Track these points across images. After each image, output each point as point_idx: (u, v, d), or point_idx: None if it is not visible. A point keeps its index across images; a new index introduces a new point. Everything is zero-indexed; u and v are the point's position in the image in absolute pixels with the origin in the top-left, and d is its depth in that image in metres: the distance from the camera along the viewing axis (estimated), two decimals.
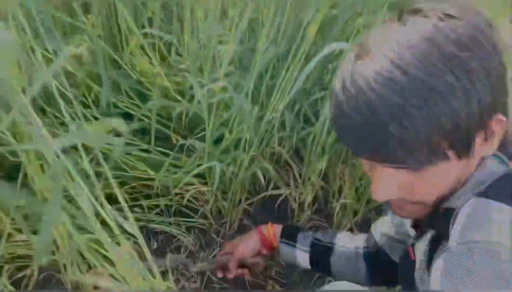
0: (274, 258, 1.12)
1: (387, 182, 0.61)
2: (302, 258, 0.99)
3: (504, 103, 0.59)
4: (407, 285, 0.79)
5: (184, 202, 1.21)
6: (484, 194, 0.61)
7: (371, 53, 0.55)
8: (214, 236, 1.26)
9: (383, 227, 0.93)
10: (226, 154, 1.17)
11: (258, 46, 0.98)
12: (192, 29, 1.06)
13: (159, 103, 1.06)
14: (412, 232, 0.75)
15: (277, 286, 1.25)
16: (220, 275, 1.03)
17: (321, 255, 0.99)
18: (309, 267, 0.99)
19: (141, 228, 1.19)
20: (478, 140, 0.58)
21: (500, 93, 0.57)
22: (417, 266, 0.72)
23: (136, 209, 1.20)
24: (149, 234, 1.23)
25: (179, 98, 1.10)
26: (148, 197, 1.22)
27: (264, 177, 1.22)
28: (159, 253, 1.20)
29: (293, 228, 1.03)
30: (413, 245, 0.75)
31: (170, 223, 1.23)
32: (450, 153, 0.56)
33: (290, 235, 1.00)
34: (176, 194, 1.20)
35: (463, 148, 0.57)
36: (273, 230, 1.02)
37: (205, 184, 1.21)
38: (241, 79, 1.03)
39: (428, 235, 0.70)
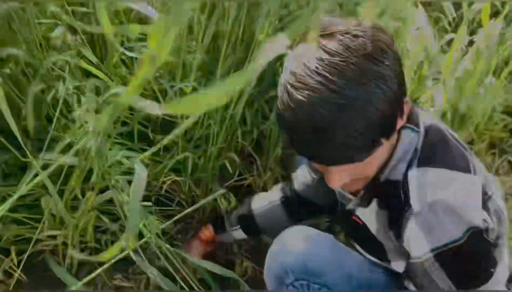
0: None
1: (339, 174, 0.79)
2: (239, 235, 1.23)
3: (405, 88, 0.81)
4: (362, 245, 0.99)
5: (163, 191, 1.38)
6: (422, 163, 0.81)
7: (302, 81, 0.70)
8: (189, 220, 1.45)
9: (303, 178, 1.13)
10: (198, 148, 1.36)
11: (220, 55, 1.18)
12: None
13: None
14: (353, 200, 0.94)
15: (248, 262, 1.43)
16: None
17: (248, 224, 1.20)
18: (247, 236, 1.22)
19: None
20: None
21: (404, 82, 0.79)
22: (374, 232, 0.91)
23: None
24: None
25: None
26: None
27: (231, 167, 1.42)
28: None
29: (220, 220, 1.25)
30: (352, 212, 0.95)
31: (150, 212, 1.40)
32: (383, 140, 0.76)
33: (221, 227, 1.24)
34: (155, 186, 1.37)
35: (391, 131, 0.78)
36: (208, 231, 1.26)
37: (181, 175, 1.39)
38: (208, 83, 1.23)
39: (373, 204, 0.90)
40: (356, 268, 0.96)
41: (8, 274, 1.16)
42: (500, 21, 1.50)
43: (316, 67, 0.69)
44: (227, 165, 1.39)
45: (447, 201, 0.76)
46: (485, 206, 0.82)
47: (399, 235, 0.84)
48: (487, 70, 1.55)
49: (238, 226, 1.22)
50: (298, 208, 1.17)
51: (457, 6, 1.76)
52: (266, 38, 1.16)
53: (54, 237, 1.17)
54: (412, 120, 0.85)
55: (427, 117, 0.88)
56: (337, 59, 0.69)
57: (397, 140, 0.83)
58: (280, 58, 1.30)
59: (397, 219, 0.82)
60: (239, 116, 1.29)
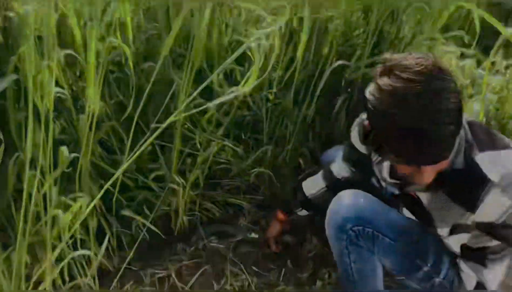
0: None
1: (431, 172, 1.01)
2: (303, 213, 1.54)
3: None
4: (412, 212, 1.26)
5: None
6: (483, 149, 1.02)
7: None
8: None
9: (343, 171, 1.43)
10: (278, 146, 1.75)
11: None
12: None
13: None
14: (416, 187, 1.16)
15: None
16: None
17: (308, 206, 1.52)
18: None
19: None
20: None
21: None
22: (426, 204, 1.15)
23: None
24: None
25: None
26: None
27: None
28: None
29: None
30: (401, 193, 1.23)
31: None
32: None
33: (290, 211, 1.56)
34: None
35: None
36: (280, 213, 1.57)
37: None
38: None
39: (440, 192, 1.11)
40: (395, 216, 1.23)
41: None
42: None
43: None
44: (301, 161, 1.75)
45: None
46: None
47: (472, 207, 1.04)
48: None
49: (301, 208, 1.54)
50: (340, 190, 1.38)
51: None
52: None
53: None
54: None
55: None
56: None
57: None
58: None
59: (472, 195, 1.02)
60: (310, 119, 1.67)
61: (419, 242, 1.21)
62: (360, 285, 1.27)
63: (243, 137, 1.74)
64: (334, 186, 1.45)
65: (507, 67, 1.86)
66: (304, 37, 1.53)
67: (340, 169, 1.45)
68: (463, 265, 1.17)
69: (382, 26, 1.58)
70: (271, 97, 1.60)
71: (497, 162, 1.01)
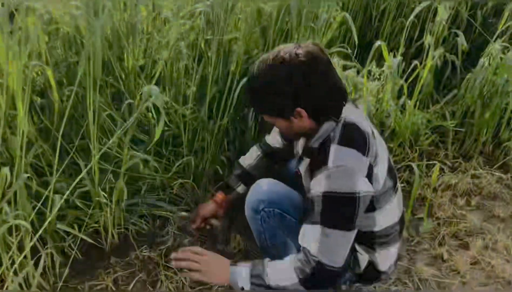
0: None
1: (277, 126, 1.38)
2: (242, 189, 1.73)
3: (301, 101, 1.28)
4: (298, 189, 1.51)
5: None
6: (339, 144, 1.26)
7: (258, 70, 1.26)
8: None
9: (275, 140, 1.70)
10: (196, 156, 1.91)
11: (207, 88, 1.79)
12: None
13: None
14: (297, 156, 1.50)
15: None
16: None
17: (246, 177, 1.72)
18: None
19: None
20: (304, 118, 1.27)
21: (300, 95, 1.26)
22: (303, 178, 1.42)
23: None
24: None
25: None
26: None
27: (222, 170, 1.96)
28: None
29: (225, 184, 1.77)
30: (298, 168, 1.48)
31: None
32: (275, 115, 1.31)
33: (227, 187, 1.75)
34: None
35: (279, 115, 1.30)
36: (220, 194, 1.74)
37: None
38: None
39: (304, 162, 1.40)
40: (300, 200, 1.47)
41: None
42: (398, 57, 2.18)
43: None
44: (219, 169, 1.93)
45: (345, 166, 1.22)
46: (370, 178, 1.24)
47: (311, 179, 1.31)
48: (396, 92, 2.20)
49: (240, 182, 1.72)
50: (273, 157, 1.71)
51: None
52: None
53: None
54: (337, 117, 1.30)
55: (356, 115, 1.32)
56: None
57: (321, 126, 1.32)
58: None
59: (315, 170, 1.28)
60: (225, 130, 1.87)
61: None
62: (277, 256, 1.42)
63: (164, 152, 1.87)
64: (268, 153, 1.71)
65: (380, 74, 2.24)
66: (213, 57, 1.74)
67: (273, 139, 1.70)
68: (357, 247, 1.43)
69: (278, 43, 1.84)
70: (187, 112, 1.77)
71: (338, 155, 1.24)
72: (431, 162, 2.34)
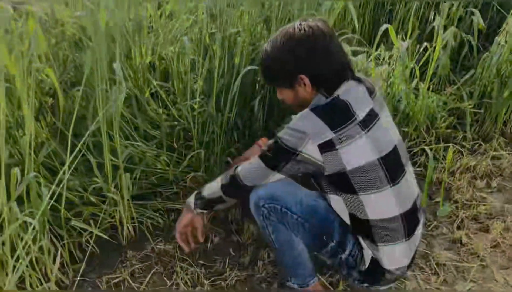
0: None
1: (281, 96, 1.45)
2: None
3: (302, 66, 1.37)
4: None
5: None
6: (310, 109, 1.34)
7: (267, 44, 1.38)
8: None
9: None
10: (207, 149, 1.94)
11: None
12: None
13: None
14: None
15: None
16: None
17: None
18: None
19: None
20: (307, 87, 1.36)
21: (300, 61, 1.35)
22: None
23: None
24: None
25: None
26: None
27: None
28: None
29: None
30: None
31: None
32: (281, 84, 1.40)
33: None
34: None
35: (283, 83, 1.40)
36: (265, 139, 1.75)
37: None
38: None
39: None
40: (304, 197, 1.44)
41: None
42: (407, 40, 2.14)
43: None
44: (229, 160, 1.95)
45: (299, 126, 1.30)
46: (323, 151, 1.29)
47: None
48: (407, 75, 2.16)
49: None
50: None
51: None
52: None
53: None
54: (334, 88, 1.36)
55: (354, 96, 1.35)
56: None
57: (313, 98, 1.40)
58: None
59: None
60: (233, 121, 1.88)
61: (325, 221, 1.44)
62: (281, 252, 1.49)
63: (175, 146, 1.91)
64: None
65: (389, 57, 2.21)
66: (217, 51, 1.76)
67: None
68: (362, 242, 1.44)
69: None
70: (195, 106, 1.79)
71: (300, 116, 1.34)
72: (447, 145, 2.29)
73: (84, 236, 1.69)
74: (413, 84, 2.27)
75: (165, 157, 1.86)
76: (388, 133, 1.38)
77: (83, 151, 1.47)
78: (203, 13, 1.80)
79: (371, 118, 1.34)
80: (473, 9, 2.63)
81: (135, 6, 1.80)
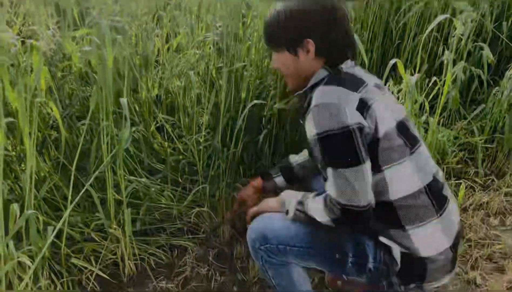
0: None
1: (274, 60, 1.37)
2: (280, 182, 1.67)
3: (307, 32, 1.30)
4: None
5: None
6: (324, 84, 1.27)
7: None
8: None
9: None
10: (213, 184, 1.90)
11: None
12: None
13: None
14: None
15: None
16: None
17: (287, 172, 1.66)
18: (286, 183, 1.65)
19: None
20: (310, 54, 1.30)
21: (306, 26, 1.29)
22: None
23: None
24: None
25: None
26: None
27: None
28: None
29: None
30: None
31: None
32: (280, 47, 1.33)
33: (266, 175, 1.70)
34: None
35: (285, 45, 1.33)
36: (258, 180, 1.69)
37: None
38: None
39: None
40: (298, 226, 1.33)
41: None
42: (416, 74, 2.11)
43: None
44: (235, 195, 1.91)
45: (327, 102, 1.19)
46: (363, 113, 1.20)
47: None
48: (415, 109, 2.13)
49: (279, 173, 1.67)
50: None
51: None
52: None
53: None
54: (339, 62, 1.31)
55: (357, 71, 1.30)
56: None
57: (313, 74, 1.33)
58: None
59: (308, 113, 1.25)
60: (239, 156, 1.85)
61: (330, 238, 1.31)
62: None
63: (180, 180, 1.87)
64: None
65: (398, 91, 2.18)
66: (224, 85, 1.75)
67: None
68: (383, 239, 1.28)
69: None
70: (201, 140, 1.77)
71: (320, 94, 1.23)
72: (458, 181, 2.24)
73: (84, 273, 1.64)
74: (423, 118, 2.23)
75: (169, 191, 1.82)
76: (396, 104, 1.34)
77: (86, 186, 1.44)
78: (210, 48, 1.79)
79: (380, 86, 1.30)
80: (482, 44, 2.62)
81: (143, 40, 1.81)
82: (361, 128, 1.19)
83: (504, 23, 2.99)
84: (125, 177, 1.64)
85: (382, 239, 1.28)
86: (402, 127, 1.26)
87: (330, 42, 1.30)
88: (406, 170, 1.25)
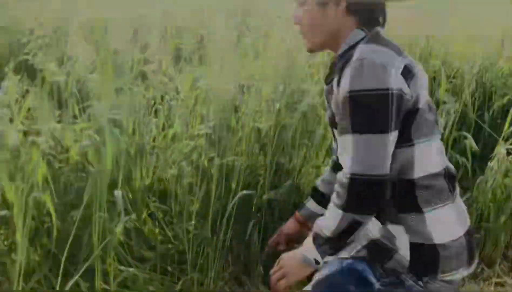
0: None
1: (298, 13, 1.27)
2: (312, 206, 1.55)
3: None
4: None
5: None
6: (366, 42, 1.19)
7: None
8: None
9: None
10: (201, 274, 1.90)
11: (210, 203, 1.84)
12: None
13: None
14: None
15: None
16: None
17: (314, 191, 1.56)
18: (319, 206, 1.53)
19: None
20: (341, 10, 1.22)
21: None
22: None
23: None
24: None
25: None
26: None
27: None
28: None
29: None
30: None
31: None
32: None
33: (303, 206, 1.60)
34: None
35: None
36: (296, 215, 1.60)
37: None
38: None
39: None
40: None
41: None
42: None
43: None
44: (224, 285, 1.91)
45: (372, 59, 1.11)
46: (406, 80, 1.13)
47: (339, 83, 1.15)
48: None
49: (309, 197, 1.57)
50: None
51: None
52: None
53: None
54: (371, 29, 1.25)
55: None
56: None
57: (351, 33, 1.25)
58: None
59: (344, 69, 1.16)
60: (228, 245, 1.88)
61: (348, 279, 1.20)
62: None
63: (169, 269, 1.88)
64: (336, 163, 1.49)
65: None
66: (215, 175, 1.82)
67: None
68: (392, 228, 1.18)
69: (277, 158, 1.92)
70: (190, 229, 1.81)
71: (364, 49, 1.16)
72: None
73: None
74: None
75: (158, 280, 1.82)
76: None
77: (76, 277, 1.46)
78: (203, 139, 1.89)
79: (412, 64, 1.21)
80: (466, 133, 2.73)
81: (140, 131, 1.90)
82: (401, 96, 1.12)
83: (486, 113, 3.15)
84: (114, 266, 1.65)
85: (391, 228, 1.19)
86: (430, 106, 1.23)
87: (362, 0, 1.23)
88: (433, 148, 1.21)
